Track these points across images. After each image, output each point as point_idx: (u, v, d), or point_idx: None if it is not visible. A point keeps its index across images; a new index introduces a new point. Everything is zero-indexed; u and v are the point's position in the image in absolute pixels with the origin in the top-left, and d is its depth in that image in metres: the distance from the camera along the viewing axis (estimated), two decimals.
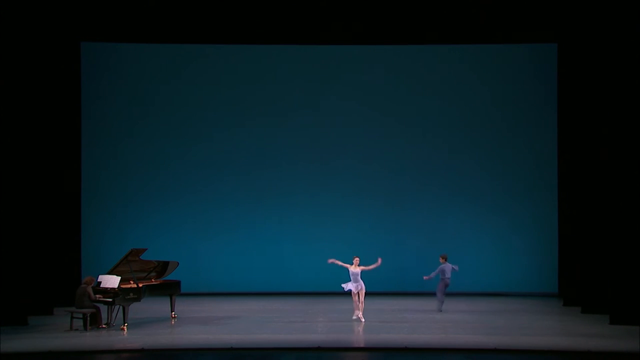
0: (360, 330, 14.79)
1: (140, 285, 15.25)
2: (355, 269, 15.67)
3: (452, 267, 16.96)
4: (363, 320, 15.55)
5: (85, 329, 14.64)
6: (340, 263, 15.70)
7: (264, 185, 20.53)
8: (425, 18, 19.13)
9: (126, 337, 14.00)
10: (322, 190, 20.54)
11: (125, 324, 14.73)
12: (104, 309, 15.05)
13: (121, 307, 14.88)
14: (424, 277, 17.15)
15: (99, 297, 14.76)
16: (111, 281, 14.91)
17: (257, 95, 20.58)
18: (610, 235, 15.76)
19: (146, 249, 15.76)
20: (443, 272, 16.93)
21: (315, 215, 20.48)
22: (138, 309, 16.15)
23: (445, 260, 17.02)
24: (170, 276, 16.47)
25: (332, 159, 20.58)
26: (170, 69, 20.56)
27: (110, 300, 14.79)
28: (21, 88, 16.35)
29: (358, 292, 15.67)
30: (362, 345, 13.37)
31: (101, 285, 14.99)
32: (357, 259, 15.80)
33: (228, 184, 20.52)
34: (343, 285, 15.83)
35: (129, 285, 15.14)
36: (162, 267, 16.25)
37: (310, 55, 20.65)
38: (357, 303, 15.70)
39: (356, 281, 15.65)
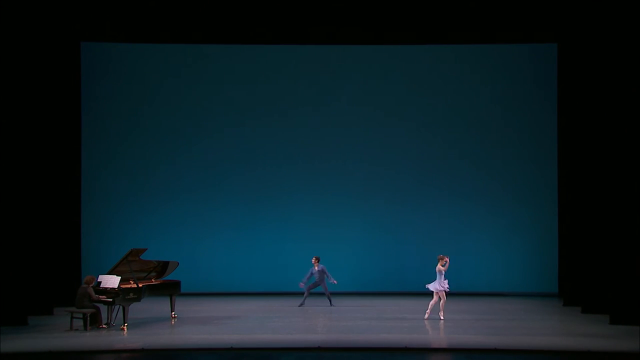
0: (363, 330, 14.78)
1: (140, 285, 15.24)
2: (444, 268, 15.65)
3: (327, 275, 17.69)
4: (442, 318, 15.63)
5: (85, 329, 14.64)
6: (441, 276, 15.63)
7: (264, 185, 20.54)
8: (425, 18, 19.10)
9: (126, 337, 14.00)
10: (322, 190, 20.55)
11: (125, 324, 14.73)
12: (104, 309, 15.05)
13: (121, 307, 14.87)
14: (300, 284, 17.76)
15: (101, 298, 14.75)
16: (111, 281, 14.90)
17: (256, 95, 20.59)
18: (610, 235, 15.76)
19: (146, 249, 15.75)
20: (312, 274, 17.63)
21: (315, 215, 20.49)
22: (138, 309, 16.15)
23: (318, 261, 17.64)
24: (170, 276, 16.47)
25: (332, 159, 20.59)
26: (170, 69, 20.58)
27: (110, 300, 14.78)
28: (21, 88, 16.34)
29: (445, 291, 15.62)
30: (362, 345, 13.34)
31: (101, 285, 14.97)
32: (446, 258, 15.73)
33: (228, 184, 20.53)
34: (428, 285, 15.77)
35: (129, 285, 15.13)
36: (162, 267, 16.25)
37: (311, 55, 20.65)
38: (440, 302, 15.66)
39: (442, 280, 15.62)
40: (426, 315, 15.67)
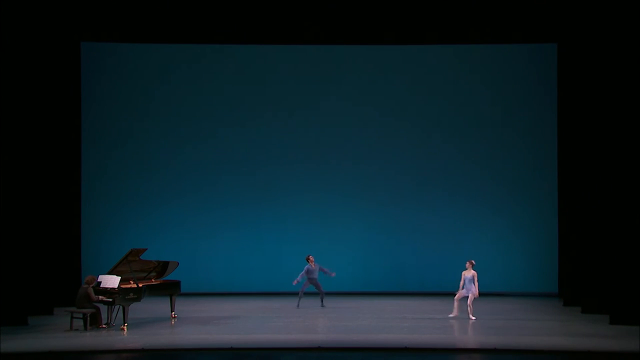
0: (361, 330, 14.78)
1: (140, 285, 15.24)
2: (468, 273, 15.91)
3: (320, 268, 17.67)
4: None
5: (85, 329, 14.64)
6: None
7: (264, 185, 20.54)
8: (425, 18, 19.12)
9: (126, 337, 14.00)
10: (322, 190, 20.55)
11: (125, 324, 14.73)
12: (104, 309, 15.04)
13: (121, 307, 14.87)
14: (294, 282, 17.64)
15: (102, 298, 14.73)
16: (111, 281, 14.90)
17: (257, 95, 20.59)
18: (610, 235, 15.75)
19: (146, 249, 15.75)
20: (308, 271, 17.57)
21: (315, 215, 20.49)
22: (138, 309, 16.15)
23: (311, 260, 17.61)
24: (170, 276, 16.47)
25: (332, 159, 20.59)
26: (170, 69, 20.57)
27: (111, 300, 14.78)
28: (21, 88, 16.34)
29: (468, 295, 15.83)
30: (362, 345, 13.34)
31: (101, 285, 14.97)
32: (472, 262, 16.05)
33: (228, 184, 20.53)
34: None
35: (129, 285, 15.13)
36: (162, 267, 16.25)
37: (310, 55, 20.65)
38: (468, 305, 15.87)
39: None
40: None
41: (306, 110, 20.62)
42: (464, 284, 15.84)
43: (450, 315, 15.89)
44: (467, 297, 15.80)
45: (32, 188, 16.71)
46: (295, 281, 17.62)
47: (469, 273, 15.84)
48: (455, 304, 15.91)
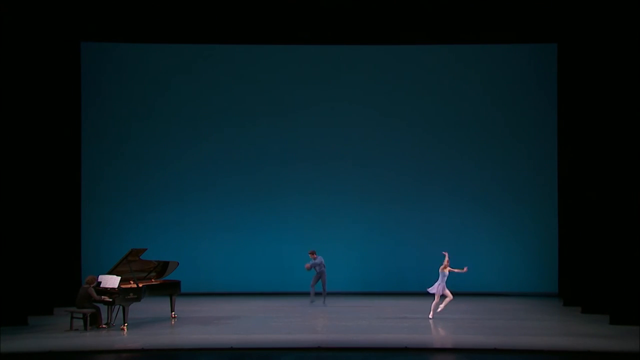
0: (361, 330, 14.78)
1: (140, 285, 15.24)
2: (444, 270, 15.83)
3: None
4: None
5: (85, 329, 14.64)
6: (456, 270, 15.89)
7: (264, 185, 20.55)
8: (425, 18, 19.11)
9: (126, 337, 14.00)
10: (322, 191, 20.55)
11: (125, 324, 14.73)
12: (104, 309, 15.05)
13: (121, 307, 14.88)
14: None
15: (104, 298, 14.71)
16: (111, 281, 14.90)
17: (257, 95, 20.59)
18: (610, 235, 15.75)
19: (146, 249, 15.75)
20: (319, 265, 17.91)
21: (315, 215, 20.50)
22: (138, 309, 16.15)
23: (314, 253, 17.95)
24: (170, 276, 16.47)
25: (332, 159, 20.59)
26: (171, 69, 20.57)
27: (111, 300, 14.78)
28: (21, 88, 16.34)
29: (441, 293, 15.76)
30: (362, 345, 13.34)
31: (101, 285, 14.97)
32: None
33: (228, 184, 20.53)
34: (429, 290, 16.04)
35: (129, 285, 15.14)
36: (162, 267, 16.25)
37: (310, 55, 20.65)
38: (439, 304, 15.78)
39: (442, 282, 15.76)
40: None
41: (306, 110, 20.62)
42: (440, 280, 15.77)
43: (430, 317, 15.84)
44: (443, 297, 15.76)
45: (32, 188, 16.70)
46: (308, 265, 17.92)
47: (445, 269, 15.81)
48: (435, 304, 15.89)
